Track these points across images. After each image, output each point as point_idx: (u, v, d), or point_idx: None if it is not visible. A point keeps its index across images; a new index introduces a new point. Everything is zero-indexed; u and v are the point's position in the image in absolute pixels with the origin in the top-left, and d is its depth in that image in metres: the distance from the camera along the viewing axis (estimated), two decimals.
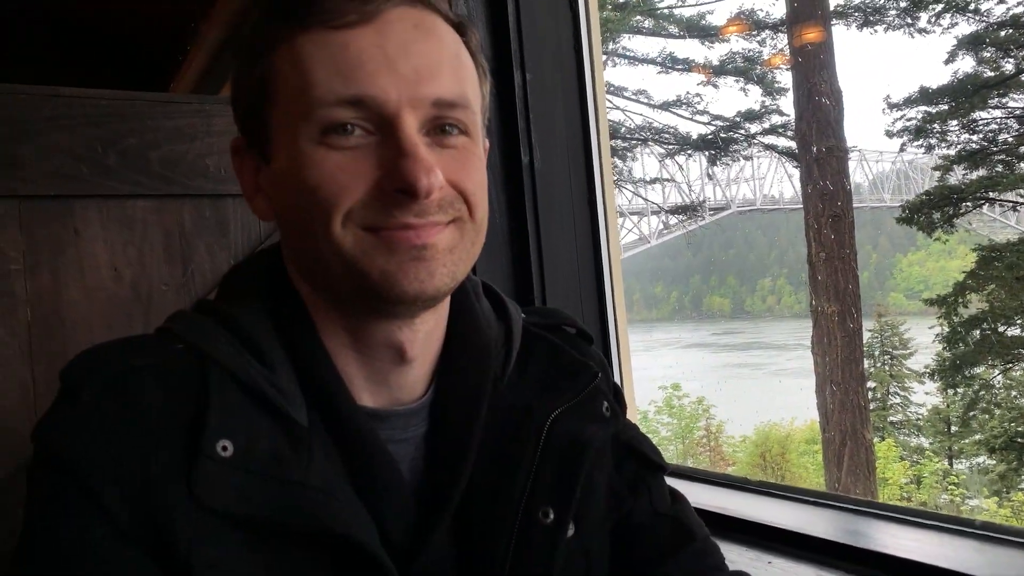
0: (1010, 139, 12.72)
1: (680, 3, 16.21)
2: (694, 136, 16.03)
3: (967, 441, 15.44)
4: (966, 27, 12.99)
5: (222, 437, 0.69)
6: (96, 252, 1.40)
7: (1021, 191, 12.84)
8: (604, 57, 15.34)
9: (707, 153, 16.07)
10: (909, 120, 13.33)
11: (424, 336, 0.82)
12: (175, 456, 0.68)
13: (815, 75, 11.57)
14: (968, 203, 12.75)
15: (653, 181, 17.26)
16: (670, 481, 1.02)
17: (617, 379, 1.84)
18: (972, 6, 12.88)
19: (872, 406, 15.82)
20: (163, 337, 0.77)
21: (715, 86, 15.83)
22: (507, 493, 0.82)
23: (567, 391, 0.89)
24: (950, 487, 15.93)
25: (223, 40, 2.71)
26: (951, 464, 16.79)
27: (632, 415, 1.77)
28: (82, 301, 1.37)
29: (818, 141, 11.47)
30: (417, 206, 0.72)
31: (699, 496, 1.57)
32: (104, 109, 1.40)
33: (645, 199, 17.73)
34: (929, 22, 13.34)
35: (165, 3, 2.67)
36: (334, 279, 0.75)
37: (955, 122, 12.97)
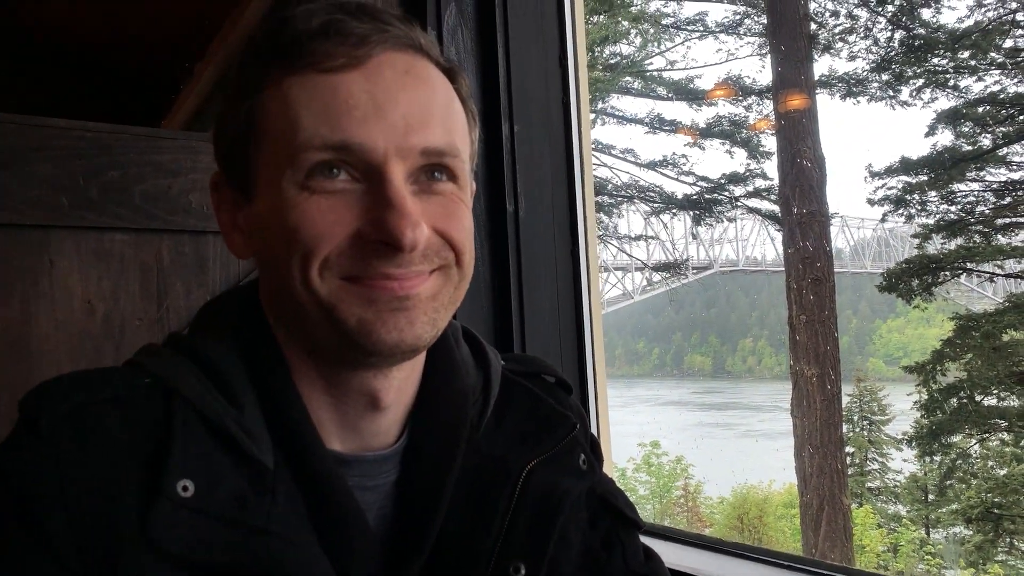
0: (987, 211, 12.99)
1: (669, 66, 16.59)
2: (679, 196, 16.24)
3: (944, 510, 15.38)
4: (945, 102, 13.37)
5: (183, 477, 0.66)
6: (70, 284, 1.37)
7: (998, 263, 13.05)
8: (593, 116, 15.62)
9: (692, 213, 16.27)
10: (890, 189, 13.60)
11: (399, 383, 0.80)
12: (132, 493, 0.65)
13: (799, 141, 11.81)
14: (946, 272, 12.94)
15: (638, 238, 17.41)
16: (644, 539, 0.99)
17: (594, 432, 1.82)
18: (951, 82, 13.26)
19: (850, 471, 15.77)
20: (130, 370, 0.75)
21: (701, 148, 16.13)
22: (478, 546, 0.79)
23: (544, 442, 0.87)
24: (927, 556, 15.82)
25: (216, 81, 2.72)
26: (928, 533, 16.69)
27: (609, 470, 1.75)
28: (52, 333, 1.35)
29: (801, 205, 11.65)
30: (399, 257, 0.71)
31: (673, 556, 1.53)
32: (89, 141, 1.39)
33: (630, 255, 17.86)
34: (910, 95, 13.73)
35: (162, 42, 2.69)
36: (310, 325, 0.74)
37: (934, 193, 13.24)
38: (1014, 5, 12.60)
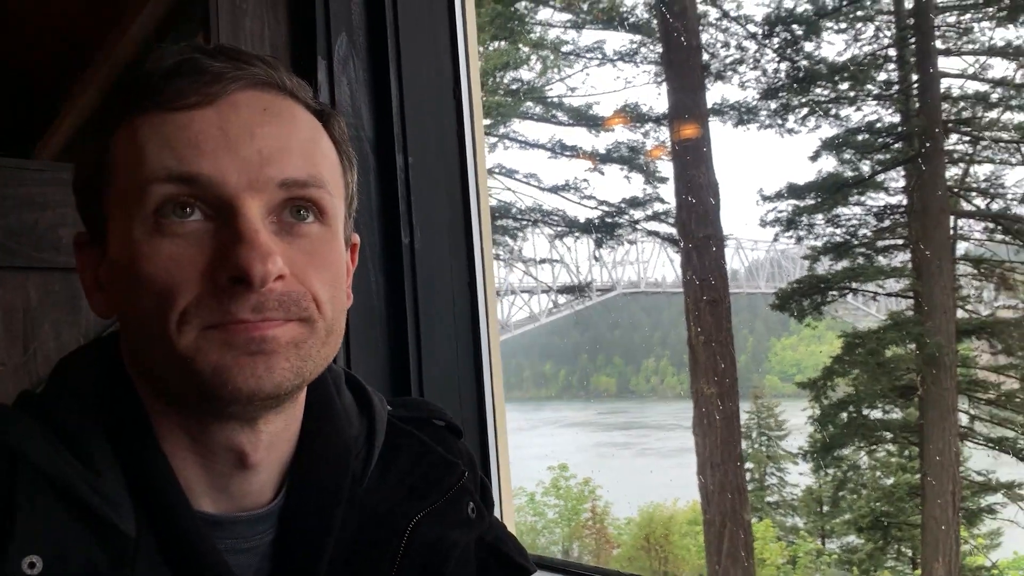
0: (869, 234, 13.75)
1: (569, 93, 16.92)
2: (582, 219, 16.53)
3: (837, 521, 16.04)
4: (828, 130, 14.12)
5: (29, 552, 0.60)
6: None
7: (880, 282, 13.82)
8: (496, 140, 15.77)
9: (594, 236, 16.57)
10: (780, 212, 14.20)
11: (269, 439, 0.75)
12: None
13: (694, 167, 12.24)
14: (834, 292, 13.60)
15: (543, 261, 17.60)
16: (544, 573, 0.98)
17: (494, 465, 1.80)
18: (833, 111, 14.03)
19: (750, 487, 16.27)
20: None
21: (601, 173, 16.47)
22: None
23: (432, 493, 0.84)
24: (823, 567, 16.43)
25: (93, 107, 2.60)
26: (824, 543, 17.35)
27: (510, 504, 1.73)
28: None
29: (696, 229, 12.05)
30: (254, 297, 0.66)
31: None
32: None
33: (535, 278, 18.03)
34: (796, 123, 14.42)
35: (33, 68, 2.55)
36: (169, 379, 0.69)
37: (820, 216, 13.92)
38: (887, 41, 13.48)
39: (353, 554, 0.78)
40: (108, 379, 0.75)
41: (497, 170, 15.69)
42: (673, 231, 15.07)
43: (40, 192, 1.39)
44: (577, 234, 16.86)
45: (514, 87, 15.92)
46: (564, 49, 16.23)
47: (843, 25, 13.69)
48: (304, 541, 0.76)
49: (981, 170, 12.99)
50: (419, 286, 1.74)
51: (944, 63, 12.84)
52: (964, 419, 12.78)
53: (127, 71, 0.75)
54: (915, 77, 12.85)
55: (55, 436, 0.68)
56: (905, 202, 13.38)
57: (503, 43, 15.11)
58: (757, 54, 14.41)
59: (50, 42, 2.45)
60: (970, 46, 12.85)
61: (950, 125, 12.79)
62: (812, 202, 13.85)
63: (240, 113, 0.70)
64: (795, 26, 13.80)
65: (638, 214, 16.14)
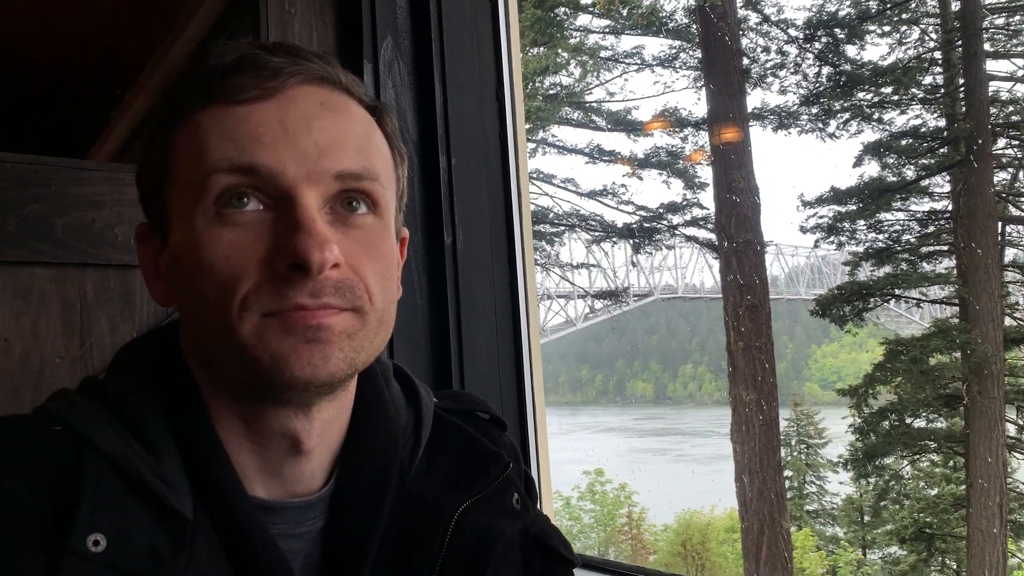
0: (912, 240, 13.50)
1: (608, 98, 16.90)
2: (619, 225, 16.47)
3: (879, 531, 15.74)
4: (871, 134, 13.91)
5: (94, 531, 0.62)
6: None
7: (923, 289, 13.55)
8: (534, 145, 15.78)
9: (631, 241, 16.50)
10: (821, 218, 14.02)
11: (322, 426, 0.77)
12: (36, 553, 0.61)
13: (733, 172, 12.14)
14: (876, 298, 13.37)
15: (580, 266, 17.56)
16: (583, 573, 0.99)
17: (534, 464, 1.81)
18: (876, 115, 13.81)
19: (789, 495, 16.05)
20: (38, 418, 0.71)
21: (639, 178, 16.40)
22: None
23: (477, 483, 0.85)
24: None
25: (145, 112, 2.67)
26: (865, 554, 17.04)
27: (549, 502, 1.73)
28: None
29: (736, 234, 11.94)
30: (311, 284, 0.68)
31: None
32: (7, 172, 1.34)
33: (572, 283, 18.00)
34: (838, 128, 14.23)
35: (89, 71, 2.63)
36: (227, 365, 0.71)
37: (863, 222, 13.71)
38: (932, 44, 13.23)
39: (400, 542, 0.79)
40: (166, 366, 0.77)
41: (535, 175, 15.71)
42: (712, 236, 14.95)
43: (97, 191, 1.44)
44: (615, 239, 16.80)
45: (552, 92, 15.93)
46: (603, 54, 16.23)
47: (887, 28, 13.48)
48: (353, 528, 0.78)
49: None
50: (461, 286, 1.75)
51: (992, 66, 12.58)
52: (1012, 429, 12.48)
53: (189, 66, 0.77)
54: (962, 80, 12.59)
55: (118, 420, 0.70)
56: (951, 207, 13.13)
57: (542, 48, 15.13)
58: (798, 58, 14.27)
59: (105, 48, 2.52)
60: (1020, 48, 12.56)
61: (998, 129, 12.51)
62: (854, 207, 13.65)
63: (298, 107, 0.72)
64: (837, 30, 13.62)
65: (676, 219, 16.05)
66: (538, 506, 0.98)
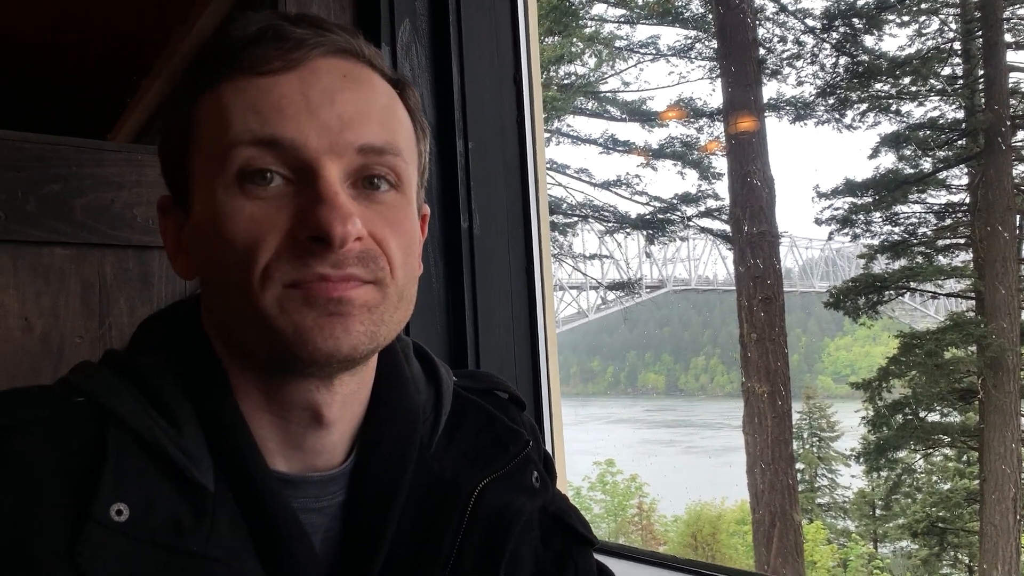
0: (929, 233, 13.39)
1: (622, 88, 16.82)
2: (633, 215, 16.42)
3: (891, 525, 15.70)
4: (888, 126, 13.79)
5: (117, 500, 0.63)
6: (5, 301, 1.32)
7: (939, 282, 13.45)
8: (548, 135, 15.74)
9: (645, 232, 16.45)
10: (836, 210, 13.93)
11: (343, 399, 0.77)
12: (59, 520, 0.62)
13: (749, 162, 12.06)
14: (891, 291, 13.28)
15: (592, 257, 17.54)
16: (599, 557, 0.98)
17: (548, 450, 1.81)
18: (893, 107, 13.69)
19: (801, 488, 16.02)
20: (62, 389, 0.72)
21: (654, 168, 16.35)
22: (428, 569, 0.77)
23: (496, 460, 0.85)
24: (875, 571, 16.09)
25: (164, 95, 2.67)
26: (876, 547, 17.00)
27: (564, 488, 1.73)
28: None
29: (751, 225, 11.87)
30: (333, 256, 0.68)
31: (627, 574, 1.53)
32: (26, 153, 1.35)
33: (584, 274, 17.98)
34: (854, 119, 14.11)
35: (109, 53, 2.64)
36: (249, 337, 0.71)
37: (878, 214, 13.61)
38: (951, 35, 13.09)
39: (420, 518, 0.79)
40: (188, 339, 0.77)
41: (549, 165, 15.67)
42: (726, 228, 14.88)
43: (116, 172, 1.44)
44: (628, 230, 16.75)
45: (567, 82, 15.88)
46: (618, 44, 16.14)
47: (906, 19, 13.34)
48: (373, 504, 0.78)
49: None
50: (477, 270, 1.75)
51: (1013, 57, 12.42)
52: None
53: (211, 39, 0.76)
54: (981, 72, 12.45)
55: (140, 393, 0.71)
56: (968, 200, 13.00)
57: (557, 37, 15.07)
58: (815, 49, 14.15)
59: (121, 32, 2.52)
60: None
61: (1018, 120, 12.36)
62: (869, 199, 13.55)
63: (321, 79, 0.71)
64: (855, 20, 13.49)
65: (691, 210, 15.98)
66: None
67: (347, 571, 0.75)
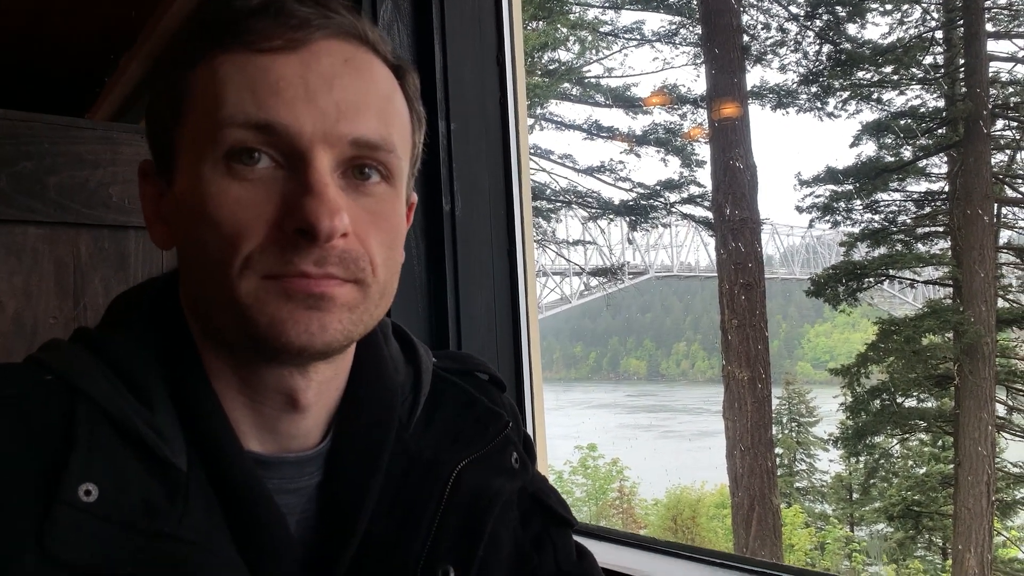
0: (908, 220, 13.50)
1: (607, 74, 16.78)
2: (616, 202, 16.43)
3: (867, 508, 15.92)
4: (869, 114, 13.85)
5: (86, 480, 0.61)
6: None
7: (918, 270, 13.58)
8: (532, 121, 15.70)
9: (628, 219, 16.47)
10: (817, 197, 14.01)
11: (319, 385, 0.76)
12: (27, 502, 0.60)
13: (732, 149, 12.08)
14: (870, 279, 13.40)
15: (576, 243, 17.55)
16: (578, 539, 0.98)
17: (530, 433, 1.81)
18: (875, 95, 13.75)
19: (780, 472, 16.19)
20: (29, 367, 0.69)
21: (637, 155, 16.35)
22: (405, 550, 0.76)
23: (476, 441, 0.85)
24: (853, 554, 16.33)
25: (142, 75, 2.63)
26: (853, 531, 17.24)
27: (545, 472, 1.73)
28: None
29: (733, 211, 11.92)
30: (317, 251, 0.66)
31: (606, 555, 1.53)
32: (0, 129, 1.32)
33: (568, 260, 17.99)
34: (836, 107, 14.17)
35: (86, 32, 2.59)
36: (223, 322, 0.70)
37: (859, 202, 13.70)
38: (933, 23, 13.15)
39: (398, 499, 0.78)
40: (162, 317, 0.75)
41: (533, 151, 15.64)
42: (708, 214, 14.92)
43: (91, 151, 1.42)
44: (611, 216, 16.77)
45: (551, 67, 15.81)
46: (602, 30, 16.09)
47: (888, 7, 13.38)
48: (350, 484, 0.77)
49: None
50: (459, 253, 1.74)
51: (993, 46, 12.53)
52: (1001, 410, 12.57)
53: (210, 6, 0.73)
54: (962, 60, 12.52)
55: (111, 371, 0.69)
56: (947, 188, 13.12)
57: (541, 23, 14.99)
58: (798, 36, 14.17)
59: (99, 10, 2.47)
60: (1022, 28, 12.49)
61: (997, 110, 12.47)
62: (850, 187, 13.63)
63: (321, 62, 0.69)
64: (839, 7, 13.51)
65: (673, 196, 16.02)
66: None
67: (323, 552, 0.74)
